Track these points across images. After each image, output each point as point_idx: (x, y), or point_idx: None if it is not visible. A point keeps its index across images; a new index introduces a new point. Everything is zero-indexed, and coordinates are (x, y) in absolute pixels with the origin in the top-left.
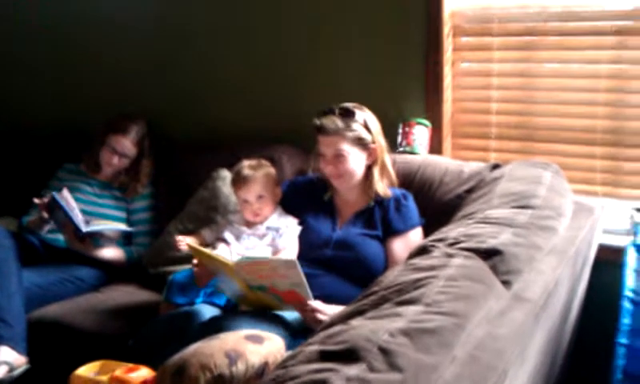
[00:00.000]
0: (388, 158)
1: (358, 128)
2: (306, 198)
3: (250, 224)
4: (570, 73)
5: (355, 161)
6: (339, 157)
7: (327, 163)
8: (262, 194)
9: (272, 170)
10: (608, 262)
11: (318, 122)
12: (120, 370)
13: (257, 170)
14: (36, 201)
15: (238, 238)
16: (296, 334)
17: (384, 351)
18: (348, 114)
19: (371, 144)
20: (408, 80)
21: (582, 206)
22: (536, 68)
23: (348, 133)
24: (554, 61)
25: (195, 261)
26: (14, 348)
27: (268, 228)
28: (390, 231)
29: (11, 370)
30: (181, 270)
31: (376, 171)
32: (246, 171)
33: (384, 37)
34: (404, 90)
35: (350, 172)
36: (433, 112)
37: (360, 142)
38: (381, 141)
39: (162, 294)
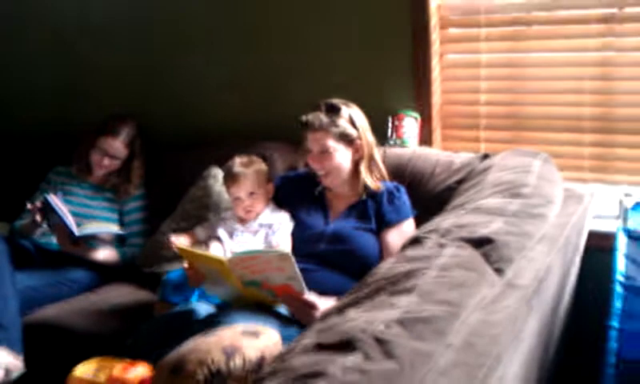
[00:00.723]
0: (377, 153)
1: (343, 124)
2: (297, 192)
3: (242, 221)
4: (558, 61)
5: (341, 157)
6: (325, 153)
7: (313, 160)
8: (254, 190)
9: (263, 167)
10: (599, 247)
11: (303, 118)
12: (117, 368)
13: (248, 167)
14: (28, 206)
15: (231, 235)
16: (291, 326)
17: (379, 341)
18: (333, 110)
19: (357, 140)
20: (396, 73)
21: (571, 193)
22: (523, 58)
23: (333, 128)
24: (541, 50)
25: (186, 264)
26: (10, 351)
27: (260, 224)
28: (384, 223)
29: (8, 373)
30: (174, 269)
31: (363, 167)
32: (237, 168)
33: (371, 30)
34: (393, 83)
35: (336, 167)
36: (422, 104)
37: (345, 138)
38: (368, 136)
39: (157, 293)
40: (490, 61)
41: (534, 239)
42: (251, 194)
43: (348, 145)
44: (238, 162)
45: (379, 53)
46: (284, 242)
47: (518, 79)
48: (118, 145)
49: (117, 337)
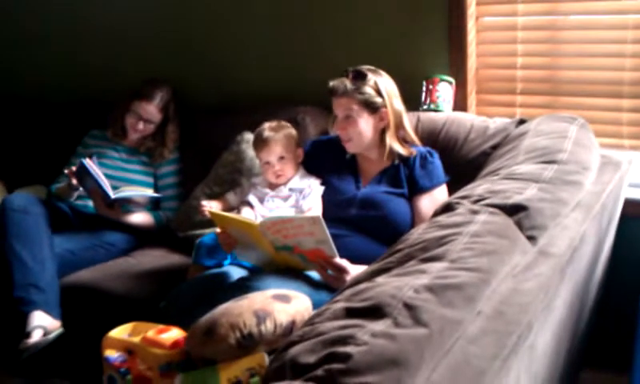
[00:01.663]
0: (407, 121)
1: (368, 91)
2: (328, 157)
3: (272, 186)
4: (597, 24)
5: (364, 124)
6: (348, 118)
7: (338, 125)
8: (283, 154)
9: (292, 131)
10: (635, 215)
11: (330, 83)
12: (152, 331)
13: (277, 132)
14: (65, 170)
15: (261, 200)
16: (322, 291)
17: (409, 307)
18: (359, 77)
19: (382, 108)
20: (431, 36)
21: (608, 160)
22: (561, 20)
23: (357, 95)
24: (580, 12)
25: (218, 229)
26: (48, 312)
27: (291, 189)
28: (417, 189)
29: (46, 333)
30: (208, 233)
31: (388, 136)
32: (267, 133)
33: None
34: (427, 47)
35: (359, 134)
36: (457, 68)
37: (370, 105)
38: (395, 105)
39: (191, 256)
40: (527, 23)
41: (568, 207)
42: (281, 158)
43: (372, 112)
44: (267, 127)
45: (414, 16)
46: (315, 207)
47: (556, 42)
48: (152, 109)
49: (151, 299)
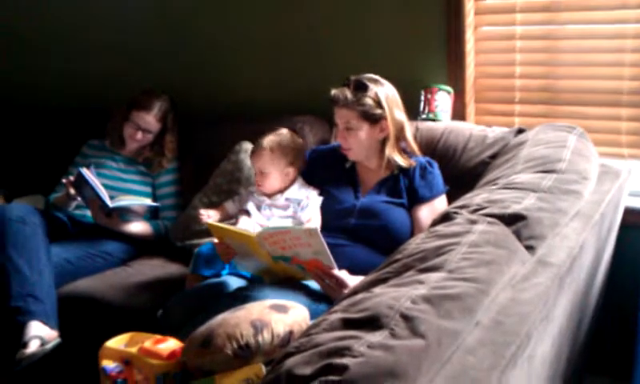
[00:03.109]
0: (409, 131)
1: (368, 103)
2: (327, 166)
3: (269, 195)
4: (595, 33)
5: (365, 135)
6: (348, 129)
7: (339, 134)
8: (269, 168)
9: (290, 145)
10: (635, 225)
11: (332, 92)
12: (149, 341)
13: (270, 144)
14: (63, 180)
15: (258, 208)
16: (320, 302)
17: (406, 318)
18: (360, 88)
19: (383, 120)
20: (430, 46)
21: (608, 169)
22: (560, 29)
23: (357, 107)
24: (579, 22)
25: (216, 239)
26: (45, 323)
27: (287, 199)
28: (417, 199)
29: (43, 344)
30: (206, 243)
31: (388, 146)
32: (260, 142)
33: (405, 2)
34: (426, 57)
35: (358, 145)
36: (455, 77)
37: (370, 117)
38: (396, 115)
39: (189, 266)
40: (525, 33)
41: (567, 216)
42: (265, 170)
43: (373, 124)
44: (266, 137)
45: (412, 25)
46: (313, 218)
47: (554, 52)
48: (150, 119)
49: (149, 309)
